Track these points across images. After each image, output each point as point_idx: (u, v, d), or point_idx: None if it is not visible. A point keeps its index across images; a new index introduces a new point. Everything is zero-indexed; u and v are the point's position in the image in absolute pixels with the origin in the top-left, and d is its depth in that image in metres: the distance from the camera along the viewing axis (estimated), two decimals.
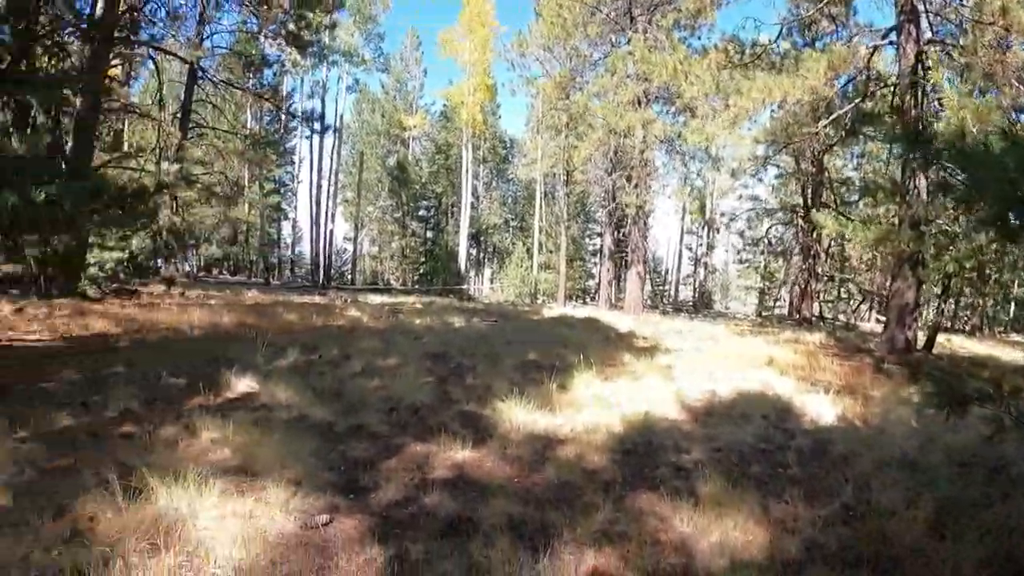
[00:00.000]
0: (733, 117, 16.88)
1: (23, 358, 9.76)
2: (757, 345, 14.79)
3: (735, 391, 9.07)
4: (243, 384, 7.83)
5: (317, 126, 32.14)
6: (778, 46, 17.81)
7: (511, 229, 57.16)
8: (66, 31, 14.31)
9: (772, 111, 23.41)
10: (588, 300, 45.45)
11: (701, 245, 53.00)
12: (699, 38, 28.21)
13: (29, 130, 12.22)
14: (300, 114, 33.99)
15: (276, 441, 5.68)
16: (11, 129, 10.57)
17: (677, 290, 56.80)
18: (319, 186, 41.48)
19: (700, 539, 4.46)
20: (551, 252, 45.65)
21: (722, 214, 47.19)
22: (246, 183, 38.24)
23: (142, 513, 4.28)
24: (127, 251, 17.71)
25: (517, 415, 6.96)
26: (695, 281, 53.14)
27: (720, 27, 31.68)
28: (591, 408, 7.59)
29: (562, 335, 14.14)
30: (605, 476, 5.56)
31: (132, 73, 25.45)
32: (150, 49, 20.35)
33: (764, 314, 40.29)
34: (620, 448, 6.24)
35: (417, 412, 7.13)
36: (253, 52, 26.80)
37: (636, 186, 29.10)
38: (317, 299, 21.51)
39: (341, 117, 43.58)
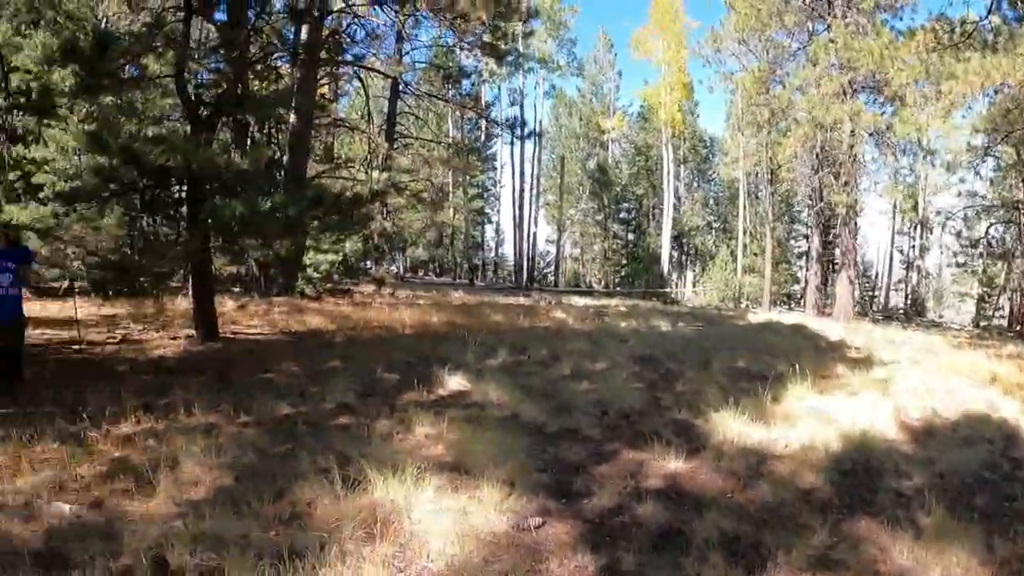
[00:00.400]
0: (947, 105, 15.57)
1: (246, 350, 10.55)
2: (978, 360, 13.51)
3: (956, 411, 8.37)
4: (455, 382, 8.04)
5: (519, 132, 32.65)
6: (988, 23, 16.13)
7: (714, 231, 55.81)
8: (275, 56, 15.26)
9: (988, 97, 21.33)
10: (793, 305, 43.52)
11: (913, 247, 49.07)
12: (901, 19, 26.07)
13: (249, 146, 13.16)
14: (502, 121, 34.71)
15: (488, 440, 5.77)
16: (232, 146, 11.37)
17: (887, 296, 53.02)
18: (521, 190, 42.28)
19: (920, 575, 4.15)
20: (755, 255, 44.02)
21: (937, 212, 43.55)
22: (450, 189, 39.46)
23: (358, 502, 4.49)
24: (340, 253, 18.74)
25: (730, 426, 6.72)
26: (906, 287, 49.26)
27: (924, 5, 28.93)
28: (805, 422, 7.21)
29: (770, 342, 13.60)
30: (821, 496, 5.28)
31: (339, 90, 26.94)
32: (354, 67, 21.40)
33: (982, 324, 36.75)
34: (836, 468, 5.88)
35: (628, 417, 7.05)
36: (451, 64, 27.68)
37: (845, 183, 27.40)
38: (521, 300, 21.85)
39: (540, 122, 44.22)
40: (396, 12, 19.94)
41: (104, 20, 15.62)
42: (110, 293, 12.10)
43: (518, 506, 4.58)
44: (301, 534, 4.14)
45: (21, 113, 17.48)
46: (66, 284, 14.82)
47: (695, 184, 56.23)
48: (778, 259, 44.76)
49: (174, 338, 11.37)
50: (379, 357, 9.60)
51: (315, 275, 18.01)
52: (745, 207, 43.55)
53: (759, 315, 25.05)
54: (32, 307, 8.71)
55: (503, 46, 22.37)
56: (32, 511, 4.55)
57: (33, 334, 9.30)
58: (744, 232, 44.21)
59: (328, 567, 3.73)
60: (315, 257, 17.67)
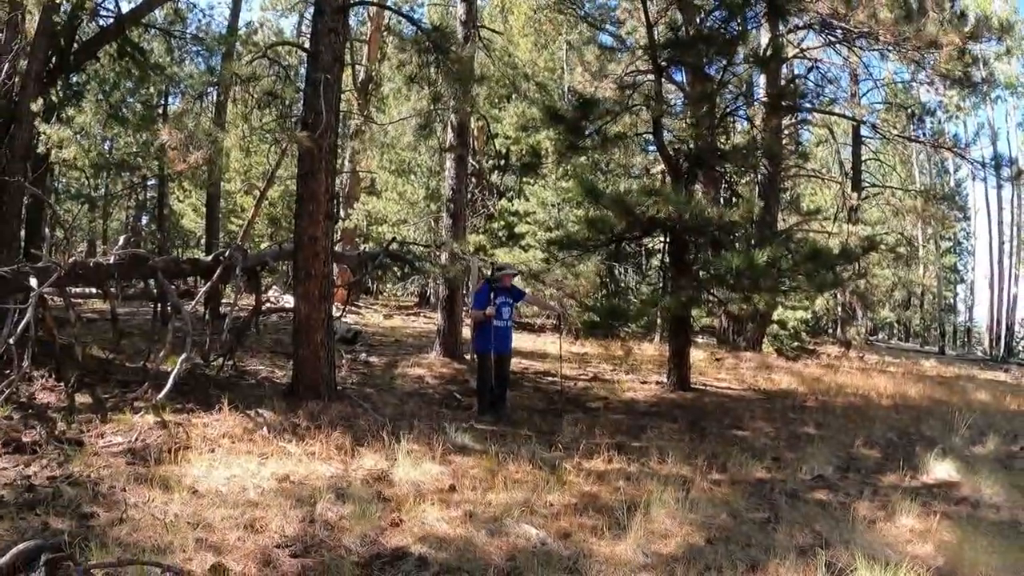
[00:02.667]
0: None
1: (717, 404, 10.56)
2: None
3: None
4: (941, 469, 7.16)
5: (1005, 173, 28.76)
6: None
7: None
8: (737, 108, 15.28)
9: None
10: None
11: None
12: None
13: (732, 198, 13.29)
14: (984, 161, 30.89)
15: (984, 548, 4.95)
16: (701, 199, 11.55)
17: None
18: (1000, 243, 37.31)
19: None
20: None
21: None
22: (920, 243, 36.31)
23: None
24: (809, 311, 18.10)
25: None
26: None
27: None
28: None
29: None
30: None
31: (798, 138, 26.23)
32: (815, 113, 20.55)
33: None
34: None
35: None
36: (911, 102, 25.51)
37: None
38: (1001, 376, 19.27)
39: (1015, 160, 38.29)
40: (851, 51, 18.91)
41: (568, 89, 16.90)
42: (582, 334, 12.94)
43: None
44: None
45: (503, 173, 19.85)
46: (550, 322, 16.33)
47: None
48: None
49: (644, 382, 11.83)
50: (855, 428, 9.01)
51: (782, 332, 17.58)
52: None
53: None
54: None
55: (974, 74, 19.87)
56: (500, 527, 4.85)
57: (512, 363, 10.12)
58: None
59: None
60: (783, 313, 17.27)
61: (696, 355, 13.67)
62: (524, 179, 18.58)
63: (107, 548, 3.99)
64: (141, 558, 3.87)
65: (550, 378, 11.61)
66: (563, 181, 16.66)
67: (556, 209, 16.96)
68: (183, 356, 7.71)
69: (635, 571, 4.33)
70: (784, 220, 18.14)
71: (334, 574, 4.02)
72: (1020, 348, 40.47)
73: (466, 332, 11.95)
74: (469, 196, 16.88)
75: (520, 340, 13.98)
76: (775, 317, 17.05)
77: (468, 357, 11.44)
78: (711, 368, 13.77)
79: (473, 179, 18.87)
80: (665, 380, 11.55)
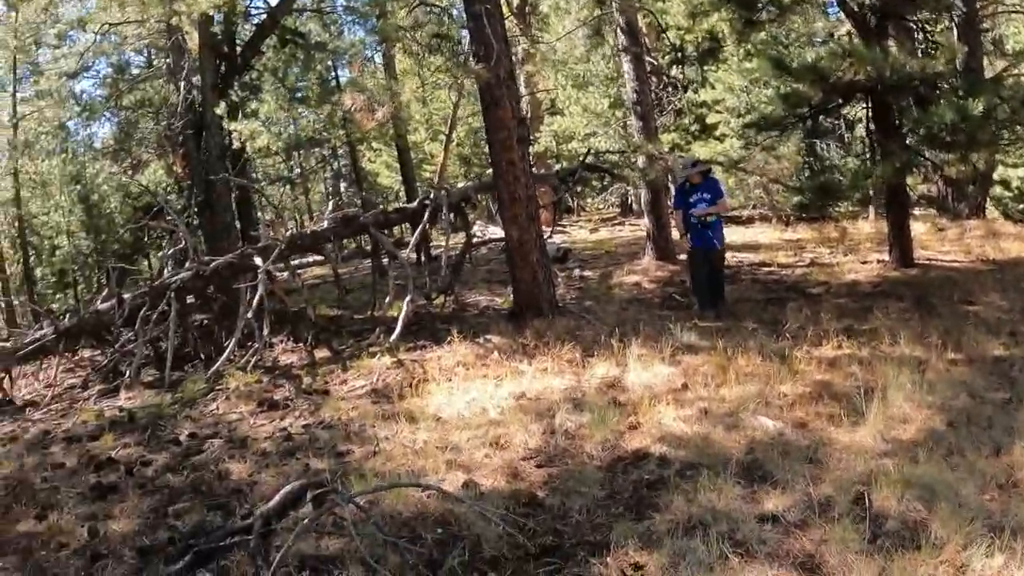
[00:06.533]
0: None
1: (944, 278, 9.69)
2: None
3: None
4: None
5: None
6: None
7: None
8: None
9: None
10: None
11: None
12: None
13: (919, 51, 12.02)
14: None
15: None
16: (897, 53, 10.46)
17: None
18: None
19: None
20: None
21: None
22: None
23: None
24: None
25: None
26: None
27: None
28: None
29: None
30: None
31: None
32: None
33: None
34: None
35: None
36: None
37: None
38: None
39: None
40: None
41: None
42: (792, 219, 12.26)
43: None
44: (1019, 505, 3.56)
45: (682, 66, 18.96)
46: (758, 212, 15.76)
47: None
48: None
49: (864, 263, 11.07)
50: None
51: (1006, 194, 15.73)
52: None
53: None
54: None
55: None
56: (735, 422, 4.83)
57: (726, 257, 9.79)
58: None
59: None
60: (1005, 172, 15.41)
61: (916, 228, 12.58)
62: (705, 67, 17.71)
63: (365, 479, 4.33)
64: (398, 484, 4.16)
65: (766, 268, 11.24)
66: (746, 62, 15.78)
67: (745, 93, 16.12)
68: (407, 298, 8.10)
69: (876, 458, 4.19)
70: (992, 65, 16.24)
71: (579, 479, 4.15)
72: None
73: (675, 233, 11.75)
74: (653, 95, 16.36)
75: (730, 233, 13.61)
76: (996, 177, 15.31)
77: (681, 257, 11.23)
78: (933, 240, 12.56)
79: (653, 78, 18.27)
80: (886, 258, 10.72)
